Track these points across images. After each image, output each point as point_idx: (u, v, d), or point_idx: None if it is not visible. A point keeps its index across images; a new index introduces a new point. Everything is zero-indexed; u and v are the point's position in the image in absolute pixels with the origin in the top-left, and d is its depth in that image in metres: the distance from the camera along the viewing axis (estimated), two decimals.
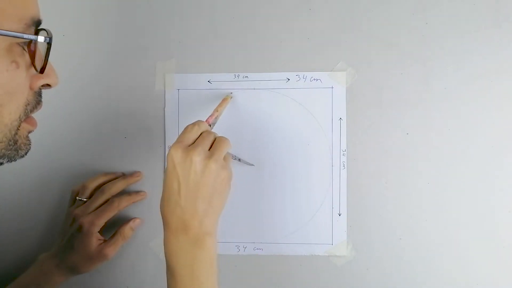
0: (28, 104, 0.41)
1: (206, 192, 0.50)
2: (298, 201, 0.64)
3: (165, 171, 0.51)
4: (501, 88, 0.62)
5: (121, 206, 0.63)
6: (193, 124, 0.53)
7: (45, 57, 0.40)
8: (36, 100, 0.43)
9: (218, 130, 0.64)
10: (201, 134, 0.53)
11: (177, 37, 0.65)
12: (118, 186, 0.64)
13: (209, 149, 0.51)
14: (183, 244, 0.49)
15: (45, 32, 0.40)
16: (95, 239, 0.61)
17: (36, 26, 0.39)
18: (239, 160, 0.62)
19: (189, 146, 0.51)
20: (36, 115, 0.63)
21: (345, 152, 0.64)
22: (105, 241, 0.62)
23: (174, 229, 0.49)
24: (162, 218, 0.51)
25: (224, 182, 0.51)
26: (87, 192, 0.63)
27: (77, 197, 0.64)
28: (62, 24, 0.66)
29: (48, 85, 0.43)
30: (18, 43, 0.38)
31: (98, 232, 0.62)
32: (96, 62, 0.66)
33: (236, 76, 0.64)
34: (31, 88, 0.41)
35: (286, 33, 0.64)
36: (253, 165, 0.64)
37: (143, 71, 0.65)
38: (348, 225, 0.64)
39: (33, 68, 0.40)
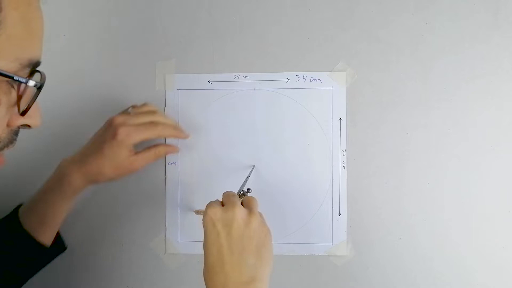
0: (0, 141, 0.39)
1: (253, 245, 0.48)
2: (298, 201, 0.64)
3: (204, 234, 0.50)
4: (500, 88, 0.62)
5: (163, 133, 0.62)
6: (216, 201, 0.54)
7: (32, 100, 0.38)
8: (10, 139, 0.40)
9: (218, 130, 0.64)
10: (223, 198, 0.53)
11: (177, 37, 0.65)
12: (169, 126, 0.62)
13: None
14: None
15: (39, 75, 0.38)
16: (127, 150, 0.58)
17: (33, 67, 0.37)
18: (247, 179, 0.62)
19: (223, 205, 0.51)
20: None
21: (345, 152, 0.64)
22: (136, 154, 0.60)
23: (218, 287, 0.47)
24: (207, 281, 0.48)
25: (267, 237, 0.50)
26: (140, 110, 0.62)
27: (130, 108, 0.62)
28: (63, 24, 0.66)
29: (28, 126, 0.40)
30: (7, 81, 0.36)
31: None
32: (96, 63, 0.66)
33: (236, 76, 0.65)
34: (8, 125, 0.39)
35: (286, 33, 0.64)
36: (253, 165, 0.64)
37: (144, 72, 0.65)
38: (348, 225, 0.64)
39: (16, 107, 0.38)
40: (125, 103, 0.65)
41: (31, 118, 0.39)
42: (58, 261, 0.65)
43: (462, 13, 0.62)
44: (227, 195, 0.53)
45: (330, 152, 0.64)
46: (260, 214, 0.52)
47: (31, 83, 0.37)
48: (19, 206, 0.61)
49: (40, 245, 0.59)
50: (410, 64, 0.63)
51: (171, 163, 0.65)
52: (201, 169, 0.65)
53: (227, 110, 0.64)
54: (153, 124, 0.60)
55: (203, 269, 0.49)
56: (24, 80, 0.36)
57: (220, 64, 0.65)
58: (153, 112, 0.61)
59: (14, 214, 0.59)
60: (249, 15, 0.65)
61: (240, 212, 0.49)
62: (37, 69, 0.38)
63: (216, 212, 0.49)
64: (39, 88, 0.38)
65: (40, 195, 0.59)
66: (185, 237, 0.65)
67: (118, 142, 0.58)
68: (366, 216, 0.64)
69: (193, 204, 0.65)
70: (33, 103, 0.38)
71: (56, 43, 0.66)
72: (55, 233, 0.61)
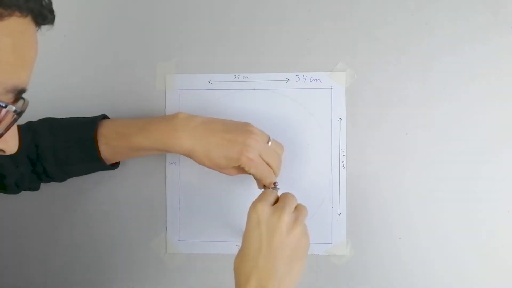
0: None
1: (287, 255, 0.49)
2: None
3: (247, 227, 0.51)
4: (500, 88, 0.62)
5: (268, 181, 0.58)
6: (271, 189, 0.55)
7: (9, 125, 0.37)
8: None
9: None
10: (282, 196, 0.53)
11: (177, 38, 0.65)
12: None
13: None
14: None
15: (23, 101, 0.38)
16: (241, 154, 0.55)
17: (17, 94, 0.37)
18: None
19: (273, 205, 0.50)
20: (35, 114, 0.64)
21: (344, 152, 0.64)
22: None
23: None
24: (236, 275, 0.49)
25: (305, 248, 0.51)
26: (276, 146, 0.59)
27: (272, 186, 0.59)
28: (63, 25, 0.65)
29: (2, 150, 0.39)
30: None
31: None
32: (97, 63, 0.66)
33: (236, 76, 0.65)
34: None
35: (286, 34, 0.64)
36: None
37: (144, 72, 0.66)
38: (348, 224, 0.64)
39: None
40: (125, 103, 0.65)
41: (6, 143, 0.39)
42: (58, 261, 0.66)
43: (461, 13, 0.62)
44: (285, 196, 0.53)
45: (329, 152, 0.64)
46: (305, 225, 0.52)
47: (11, 107, 0.36)
48: (104, 116, 0.60)
49: (100, 161, 0.58)
50: (410, 64, 0.63)
51: (172, 163, 0.65)
52: (201, 169, 0.64)
53: (227, 110, 0.64)
54: (271, 171, 0.58)
55: (236, 255, 0.50)
56: (3, 105, 0.36)
57: (220, 65, 0.65)
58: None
59: (93, 123, 0.58)
60: (249, 15, 0.65)
61: (287, 218, 0.49)
62: (23, 96, 0.38)
63: (264, 211, 0.50)
64: (19, 113, 0.37)
65: (136, 125, 0.57)
66: (186, 237, 0.65)
67: (245, 143, 0.55)
68: (366, 216, 0.64)
69: (193, 204, 0.65)
70: (10, 128, 0.37)
71: (57, 43, 0.66)
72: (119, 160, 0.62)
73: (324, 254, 0.64)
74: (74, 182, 0.64)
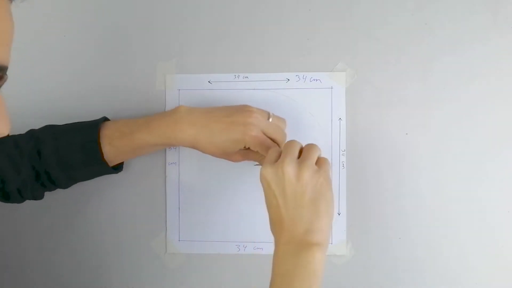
0: None
1: (306, 199, 0.49)
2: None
3: (264, 195, 0.52)
4: (501, 88, 0.62)
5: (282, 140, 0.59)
6: (273, 149, 0.54)
7: None
8: None
9: None
10: (283, 148, 0.53)
11: (177, 38, 0.65)
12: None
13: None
14: (286, 253, 0.48)
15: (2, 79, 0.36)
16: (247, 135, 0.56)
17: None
18: None
19: (276, 161, 0.51)
20: (35, 115, 0.64)
21: (344, 152, 0.64)
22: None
23: (282, 242, 0.49)
24: (274, 239, 0.50)
25: (323, 187, 0.50)
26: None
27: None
28: (63, 24, 0.66)
29: None
30: None
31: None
32: (96, 63, 0.66)
33: (236, 76, 0.65)
34: None
35: (286, 34, 0.64)
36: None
37: (144, 72, 0.65)
38: (348, 224, 0.64)
39: None
40: (125, 103, 0.65)
41: None
42: (58, 261, 0.66)
43: (461, 13, 0.62)
44: (285, 147, 0.52)
45: (329, 152, 0.64)
46: (322, 162, 0.52)
47: None
48: (105, 119, 0.61)
49: (103, 164, 0.58)
50: (410, 65, 0.63)
51: (171, 163, 0.65)
52: (201, 169, 0.65)
53: None
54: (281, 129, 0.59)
55: (269, 223, 0.51)
56: None
57: (220, 65, 0.65)
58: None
59: (95, 125, 0.58)
60: (249, 15, 0.65)
61: (289, 168, 0.49)
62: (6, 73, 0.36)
63: (268, 171, 0.50)
64: None
65: (138, 123, 0.58)
66: (186, 237, 0.65)
67: (246, 122, 0.56)
68: (366, 216, 0.64)
69: (193, 204, 0.65)
70: None
71: (57, 43, 0.66)
72: (123, 161, 0.62)
73: None
74: (75, 184, 0.64)
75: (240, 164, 0.63)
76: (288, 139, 0.62)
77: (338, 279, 0.64)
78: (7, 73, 0.36)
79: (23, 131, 0.60)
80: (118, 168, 0.62)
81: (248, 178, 0.63)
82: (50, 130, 0.59)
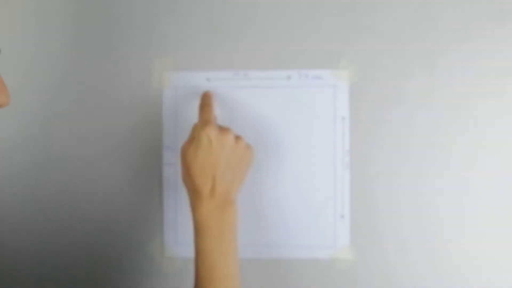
0: None
1: (235, 163, 0.57)
2: (299, 202, 0.63)
3: (196, 146, 0.56)
4: (506, 87, 0.62)
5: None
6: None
7: None
8: None
9: None
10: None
11: (174, 34, 0.65)
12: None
13: None
14: (213, 208, 0.56)
15: None
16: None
17: None
18: None
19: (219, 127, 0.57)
20: (32, 112, 0.64)
21: (348, 152, 0.63)
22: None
23: (205, 196, 0.55)
24: (191, 187, 0.56)
25: (250, 159, 0.59)
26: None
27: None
28: (62, 23, 0.65)
29: None
30: None
31: None
32: (92, 60, 0.65)
33: (236, 74, 0.64)
34: None
35: (288, 30, 0.64)
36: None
37: (140, 69, 0.65)
38: (352, 227, 0.63)
39: None
40: (121, 101, 0.65)
41: None
42: (53, 266, 0.65)
43: (466, 10, 0.62)
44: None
45: (333, 152, 0.63)
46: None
47: None
48: None
49: None
50: (415, 62, 0.63)
51: (168, 164, 0.64)
52: None
53: (226, 108, 0.64)
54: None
55: (183, 174, 0.57)
56: None
57: (219, 62, 0.64)
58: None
59: None
60: (249, 11, 0.64)
61: (232, 135, 0.56)
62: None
63: (213, 130, 0.56)
64: None
65: None
66: (183, 241, 0.65)
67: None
68: (371, 218, 0.63)
69: None
70: None
71: (54, 40, 0.65)
72: None
73: (327, 258, 0.63)
74: (69, 185, 0.64)
75: None
76: (288, 139, 0.63)
77: (341, 284, 0.63)
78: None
79: (17, 129, 0.60)
80: None
81: (248, 179, 0.62)
82: None
